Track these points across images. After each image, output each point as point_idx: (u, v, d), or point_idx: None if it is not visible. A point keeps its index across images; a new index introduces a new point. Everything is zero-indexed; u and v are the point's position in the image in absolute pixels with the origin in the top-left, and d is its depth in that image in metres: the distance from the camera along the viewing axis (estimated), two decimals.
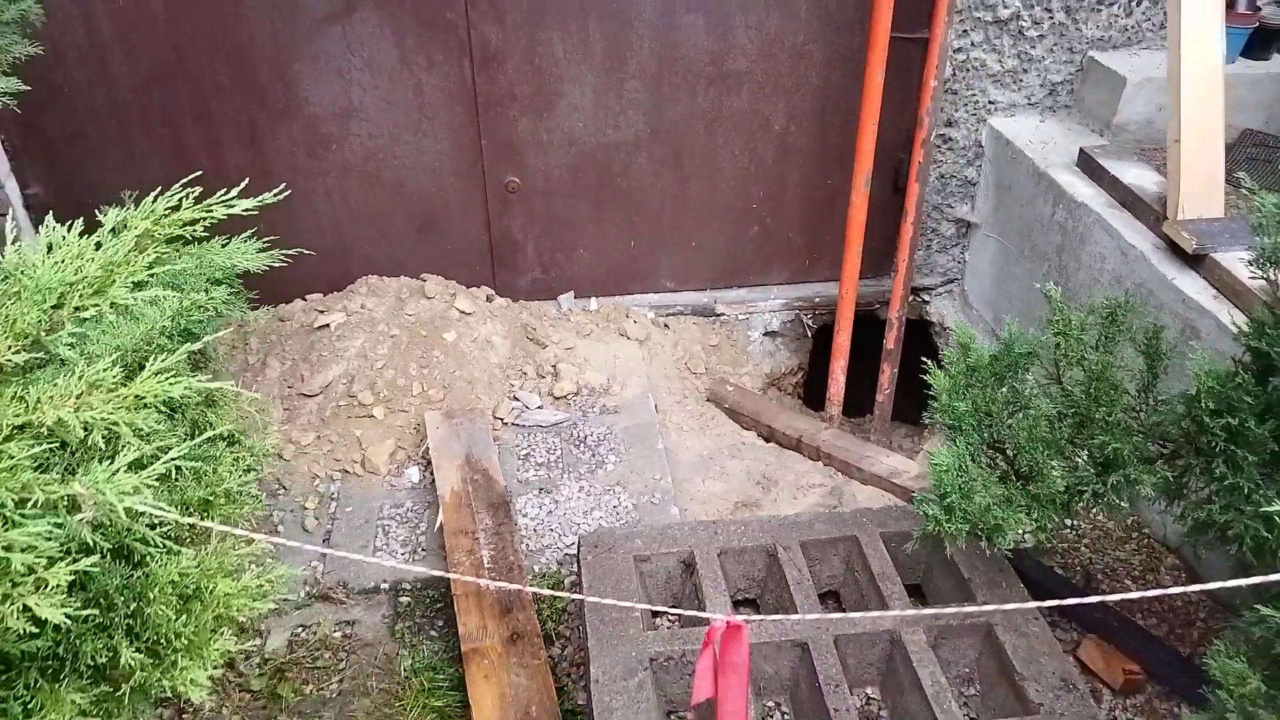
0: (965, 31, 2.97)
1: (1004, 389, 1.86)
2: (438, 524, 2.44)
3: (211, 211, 1.04)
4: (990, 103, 3.13)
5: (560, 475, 2.72)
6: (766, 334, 3.56)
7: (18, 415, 0.87)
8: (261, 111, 2.86)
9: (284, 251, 1.85)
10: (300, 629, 2.25)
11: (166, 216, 1.01)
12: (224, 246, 1.67)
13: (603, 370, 3.10)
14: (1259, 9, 2.97)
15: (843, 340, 3.20)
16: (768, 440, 3.15)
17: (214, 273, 1.63)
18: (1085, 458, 1.76)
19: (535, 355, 3.07)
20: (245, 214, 1.45)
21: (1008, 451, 1.84)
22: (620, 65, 2.96)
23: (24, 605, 0.82)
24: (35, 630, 0.85)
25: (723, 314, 3.50)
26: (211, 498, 1.12)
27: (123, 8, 2.62)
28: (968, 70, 3.05)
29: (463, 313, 3.03)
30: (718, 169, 3.20)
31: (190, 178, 1.36)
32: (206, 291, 1.67)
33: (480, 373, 2.94)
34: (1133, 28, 3.01)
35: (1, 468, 0.83)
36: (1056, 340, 1.76)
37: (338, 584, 2.37)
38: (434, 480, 2.60)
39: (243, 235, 1.79)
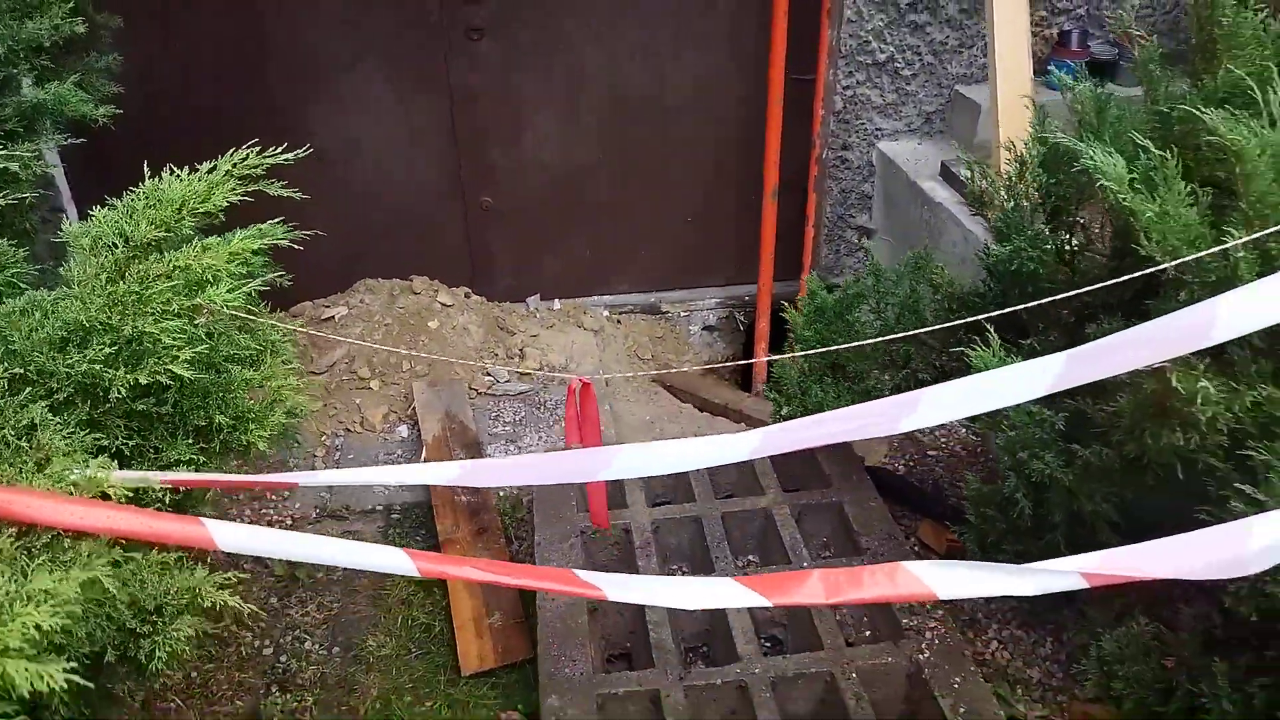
0: (851, 72, 3.66)
1: (842, 322, 2.49)
2: (422, 458, 3.04)
3: (265, 161, 1.67)
4: (877, 129, 3.81)
5: (523, 430, 3.33)
6: (705, 328, 4.20)
7: (160, 266, 1.50)
8: (282, 143, 3.53)
9: (304, 232, 2.50)
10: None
11: (243, 161, 1.65)
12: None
13: (562, 353, 3.73)
14: (1088, 46, 3.66)
15: (763, 326, 3.84)
16: (701, 410, 3.76)
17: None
18: (894, 368, 2.38)
19: (505, 341, 3.70)
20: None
21: (845, 367, 2.46)
22: (576, 103, 3.65)
23: (168, 369, 1.44)
24: (171, 383, 1.46)
25: (667, 312, 4.15)
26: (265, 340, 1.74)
27: (176, 63, 3.31)
28: (856, 103, 3.74)
29: (444, 305, 3.68)
30: (660, 189, 3.87)
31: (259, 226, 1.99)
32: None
33: (458, 353, 3.56)
34: (989, 66, 3.70)
35: (154, 291, 1.46)
36: (871, 280, 2.39)
37: (342, 507, 2.96)
38: (420, 433, 3.21)
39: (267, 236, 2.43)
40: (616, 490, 2.69)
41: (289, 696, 2.28)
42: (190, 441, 1.55)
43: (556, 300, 4.06)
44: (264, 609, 2.55)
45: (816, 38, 3.47)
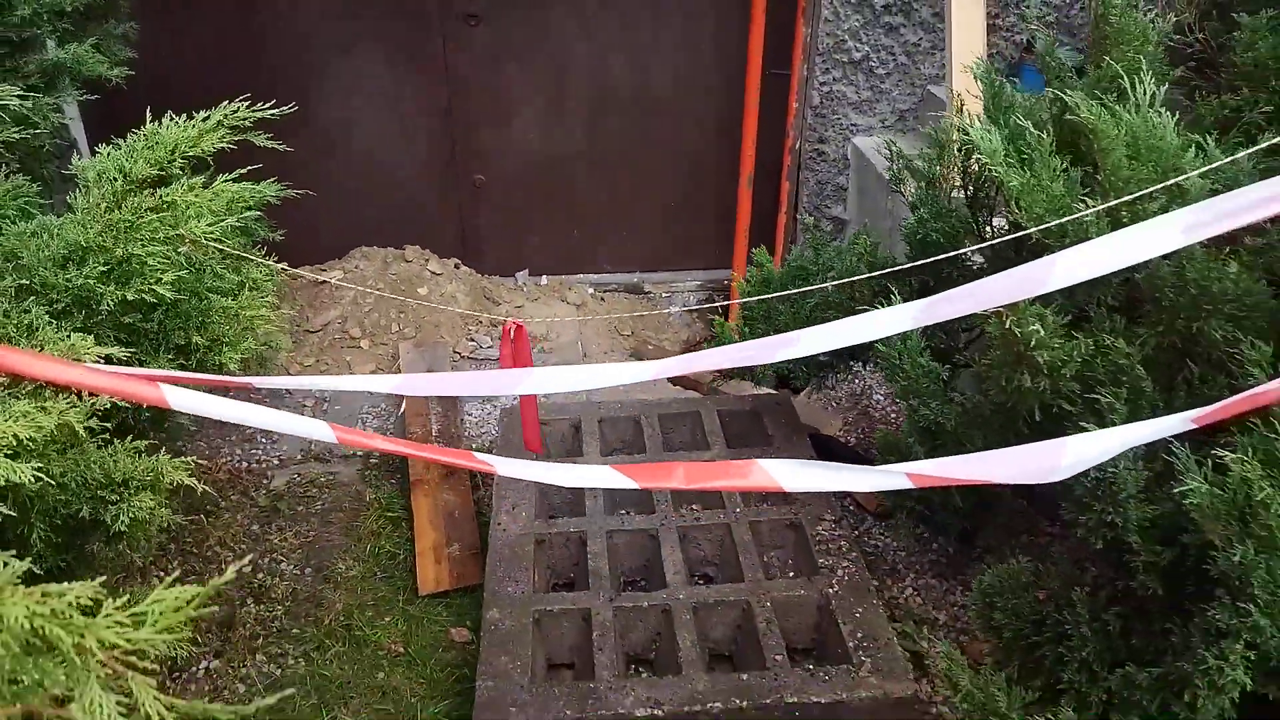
0: (828, 69, 3.86)
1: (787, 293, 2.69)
2: (402, 409, 3.27)
3: (254, 114, 1.90)
4: (853, 125, 4.01)
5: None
6: (686, 309, 4.41)
7: (151, 200, 1.73)
8: (284, 122, 3.77)
9: (295, 190, 2.72)
10: (296, 475, 3.06)
11: (234, 114, 1.88)
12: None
13: (545, 325, 3.95)
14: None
15: (736, 307, 4.04)
16: (674, 384, 3.97)
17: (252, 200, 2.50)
18: None
19: (490, 310, 3.93)
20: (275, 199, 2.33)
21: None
22: (562, 92, 3.87)
23: (153, 289, 1.67)
24: (156, 303, 1.69)
25: (649, 292, 4.36)
26: (246, 278, 1.97)
27: (187, 38, 3.55)
28: (833, 99, 3.94)
29: (434, 273, 3.90)
30: (642, 175, 4.08)
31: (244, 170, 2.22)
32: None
33: (445, 319, 3.79)
34: (946, 64, 3.89)
35: (144, 222, 1.69)
36: (811, 254, 2.60)
37: (326, 451, 3.19)
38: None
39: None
40: (574, 443, 2.91)
41: (262, 607, 2.51)
42: (171, 357, 1.77)
43: (544, 277, 4.27)
44: (246, 535, 2.78)
45: (792, 35, 3.67)
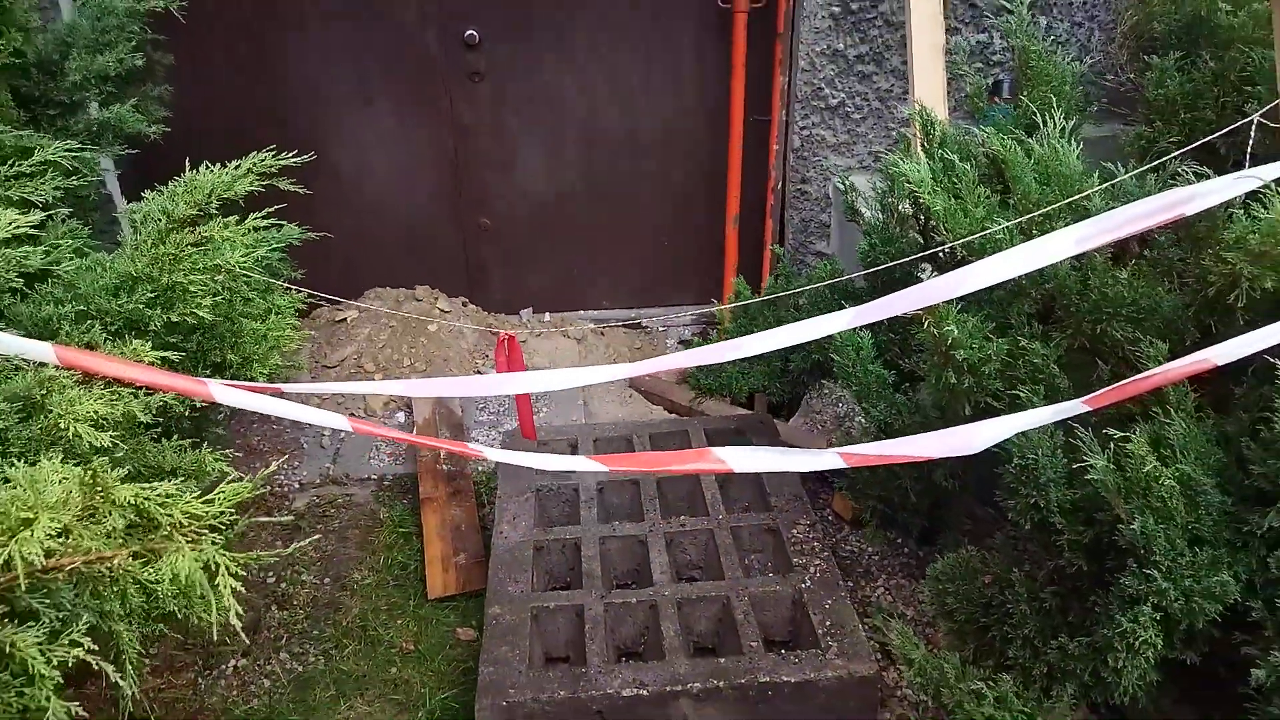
0: (807, 114, 4.14)
1: (762, 316, 2.93)
2: (413, 434, 3.50)
3: (278, 162, 2.17)
4: (832, 165, 4.27)
5: (504, 418, 3.78)
6: (681, 342, 4.65)
7: (192, 235, 1.99)
8: (304, 171, 4.08)
9: (314, 233, 3.00)
10: (315, 498, 3.29)
11: (262, 161, 2.15)
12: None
13: (547, 357, 4.19)
14: (1017, 94, 4.11)
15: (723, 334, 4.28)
16: (670, 411, 4.19)
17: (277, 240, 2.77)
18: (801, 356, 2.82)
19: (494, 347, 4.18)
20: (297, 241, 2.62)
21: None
22: (561, 138, 4.16)
23: (194, 312, 1.92)
24: (196, 325, 1.94)
25: (646, 326, 4.61)
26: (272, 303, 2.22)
27: (215, 97, 3.87)
28: (813, 142, 4.21)
29: (443, 311, 4.17)
30: (637, 215, 4.35)
31: (272, 209, 2.50)
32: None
33: (453, 354, 4.04)
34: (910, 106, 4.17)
35: (185, 255, 1.95)
36: (783, 282, 2.84)
37: (343, 475, 3.43)
38: (414, 417, 3.67)
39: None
40: (570, 454, 3.13)
41: (285, 613, 2.72)
42: (208, 373, 2.02)
43: (546, 314, 4.53)
44: (269, 549, 3.00)
45: (771, 84, 3.96)
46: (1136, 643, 1.75)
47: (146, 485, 1.11)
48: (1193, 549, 1.72)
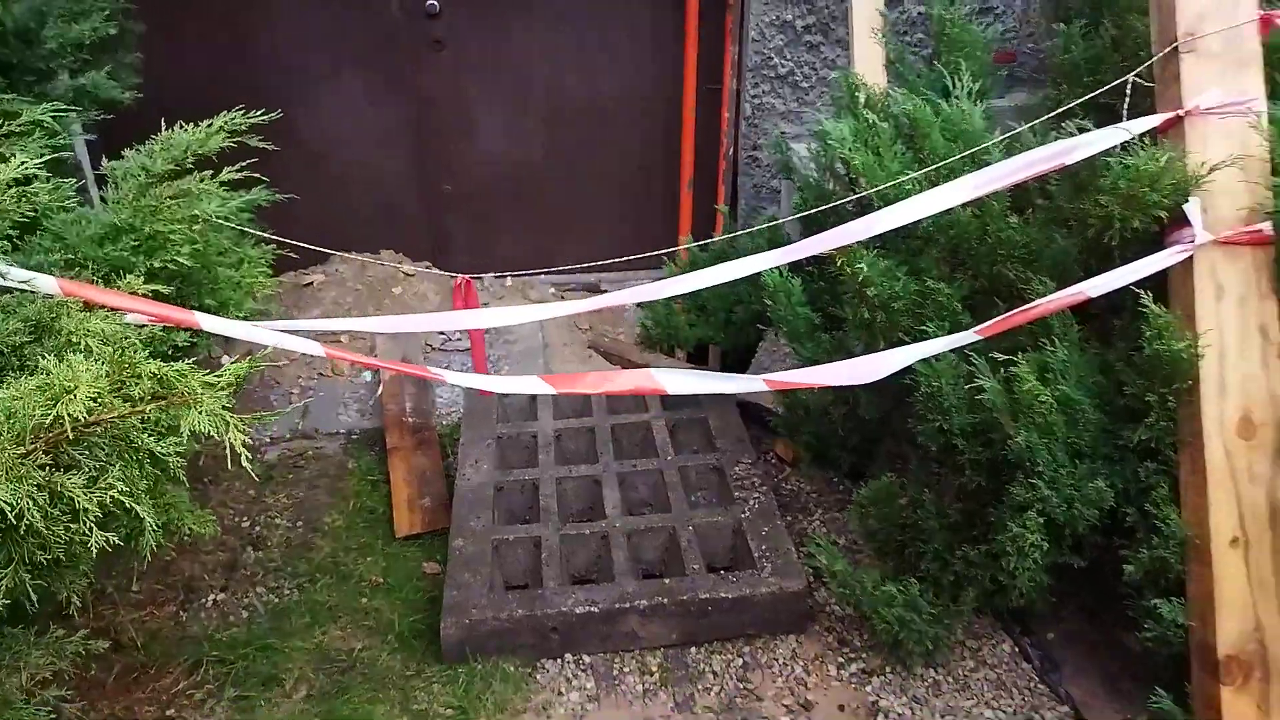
0: (758, 83, 4.33)
1: None
2: (379, 391, 3.67)
3: (248, 120, 2.32)
4: (782, 133, 4.46)
5: (475, 376, 3.95)
6: (639, 305, 4.84)
7: (170, 189, 2.15)
8: (273, 140, 4.20)
9: (283, 195, 3.14)
10: (287, 450, 3.46)
11: (235, 120, 2.30)
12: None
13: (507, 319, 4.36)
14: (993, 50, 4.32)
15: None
16: (606, 358, 4.39)
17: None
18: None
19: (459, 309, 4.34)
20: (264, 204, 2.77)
21: (704, 307, 3.10)
22: (523, 105, 4.31)
23: (174, 259, 2.08)
24: (176, 271, 2.10)
25: (606, 290, 4.78)
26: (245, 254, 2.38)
27: (182, 67, 3.98)
28: (764, 110, 4.40)
29: (407, 275, 4.32)
30: (597, 180, 4.52)
31: (244, 164, 2.64)
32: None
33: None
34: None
35: (165, 206, 2.11)
36: (728, 242, 3.04)
37: (313, 430, 3.59)
38: (380, 376, 3.83)
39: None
40: (529, 405, 3.32)
41: (260, 553, 2.90)
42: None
43: (509, 278, 4.70)
44: (244, 497, 3.18)
45: (723, 54, 4.14)
46: (1025, 545, 1.99)
47: (165, 364, 1.30)
48: (1073, 461, 1.96)
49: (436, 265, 4.57)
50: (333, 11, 4.00)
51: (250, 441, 3.42)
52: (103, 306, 1.61)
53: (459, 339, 4.19)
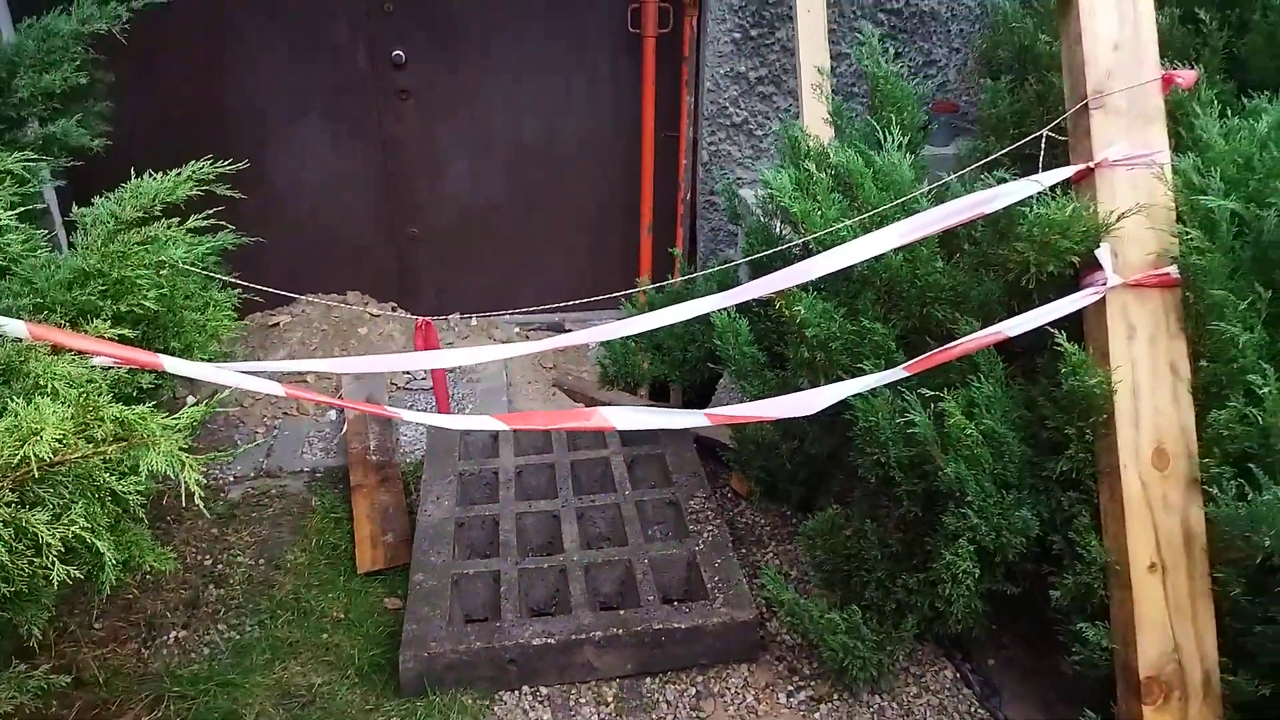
0: (714, 131, 4.49)
1: None
2: (343, 429, 3.73)
3: (216, 170, 2.41)
4: (738, 178, 4.62)
5: (432, 414, 4.02)
6: (602, 344, 4.94)
7: (138, 235, 2.22)
8: (241, 183, 4.29)
9: (251, 238, 3.22)
10: (251, 489, 3.50)
11: (203, 170, 2.39)
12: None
13: (472, 359, 4.44)
14: (925, 105, 4.50)
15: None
16: (568, 395, 4.48)
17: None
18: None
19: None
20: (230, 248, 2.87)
21: (660, 346, 3.20)
22: (487, 149, 4.44)
23: (141, 303, 2.15)
24: (143, 315, 2.17)
25: (570, 329, 4.89)
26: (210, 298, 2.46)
27: (153, 111, 4.06)
28: (720, 156, 4.56)
29: (373, 315, 4.40)
30: (559, 223, 4.64)
31: (211, 211, 2.72)
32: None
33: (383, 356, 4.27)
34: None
35: (133, 252, 2.18)
36: (682, 285, 3.15)
37: (277, 468, 3.63)
38: (345, 415, 3.89)
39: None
40: (491, 443, 3.40)
41: (222, 590, 2.93)
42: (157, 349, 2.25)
43: (474, 318, 4.79)
44: (206, 536, 3.21)
45: (679, 103, 4.30)
46: (959, 572, 2.09)
47: (127, 407, 1.37)
48: (1000, 491, 2.07)
49: (402, 306, 4.65)
50: (301, 62, 4.12)
51: (211, 481, 3.48)
52: (70, 350, 1.69)
53: (423, 378, 4.27)
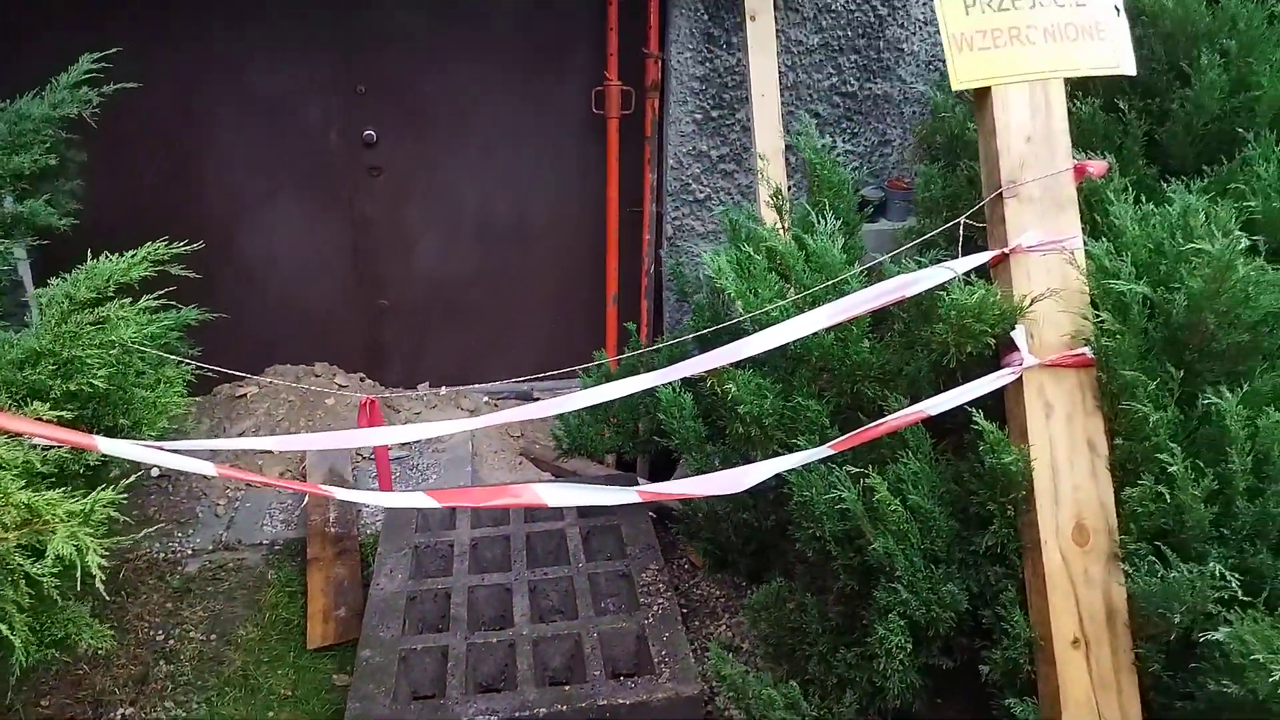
0: (678, 206, 4.61)
1: None
2: (305, 501, 3.75)
3: (171, 251, 2.48)
4: (702, 251, 4.73)
5: (397, 485, 4.04)
6: (557, 416, 4.99)
7: (92, 316, 2.28)
8: (212, 258, 4.37)
9: (215, 315, 3.29)
10: (208, 562, 3.50)
11: (157, 250, 2.46)
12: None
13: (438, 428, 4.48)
14: (859, 189, 4.65)
15: None
16: (557, 476, 4.51)
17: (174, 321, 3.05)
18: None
19: (391, 418, 4.46)
20: (196, 321, 2.95)
21: (615, 415, 3.26)
22: (457, 226, 4.54)
23: (90, 382, 2.20)
24: (92, 393, 2.22)
25: (539, 399, 4.94)
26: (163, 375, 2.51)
27: (125, 190, 4.16)
28: (684, 231, 4.67)
29: (340, 386, 4.45)
30: (527, 295, 4.73)
31: (164, 291, 2.79)
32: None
33: (350, 427, 4.31)
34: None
35: (84, 332, 2.24)
36: (639, 357, 3.22)
37: (235, 541, 3.64)
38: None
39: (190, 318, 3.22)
40: (449, 515, 3.42)
41: (172, 667, 2.92)
42: (106, 429, 2.29)
43: (443, 388, 4.84)
44: (160, 610, 3.20)
45: (642, 180, 4.43)
46: (892, 646, 2.12)
47: (37, 492, 1.40)
48: (929, 565, 2.11)
49: (371, 377, 4.71)
50: (273, 139, 4.24)
51: (169, 554, 3.49)
52: (9, 431, 1.73)
53: (390, 449, 4.30)
